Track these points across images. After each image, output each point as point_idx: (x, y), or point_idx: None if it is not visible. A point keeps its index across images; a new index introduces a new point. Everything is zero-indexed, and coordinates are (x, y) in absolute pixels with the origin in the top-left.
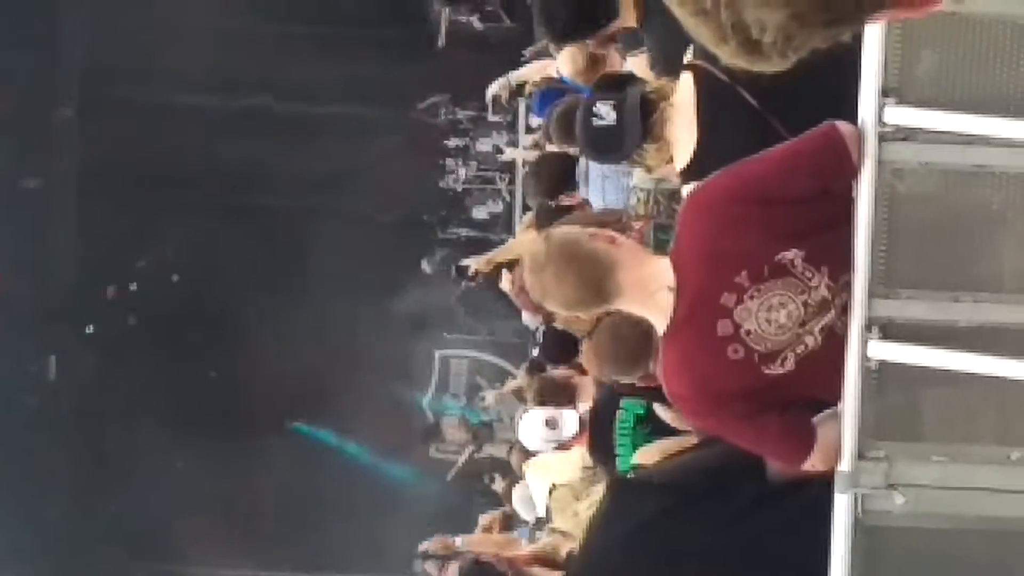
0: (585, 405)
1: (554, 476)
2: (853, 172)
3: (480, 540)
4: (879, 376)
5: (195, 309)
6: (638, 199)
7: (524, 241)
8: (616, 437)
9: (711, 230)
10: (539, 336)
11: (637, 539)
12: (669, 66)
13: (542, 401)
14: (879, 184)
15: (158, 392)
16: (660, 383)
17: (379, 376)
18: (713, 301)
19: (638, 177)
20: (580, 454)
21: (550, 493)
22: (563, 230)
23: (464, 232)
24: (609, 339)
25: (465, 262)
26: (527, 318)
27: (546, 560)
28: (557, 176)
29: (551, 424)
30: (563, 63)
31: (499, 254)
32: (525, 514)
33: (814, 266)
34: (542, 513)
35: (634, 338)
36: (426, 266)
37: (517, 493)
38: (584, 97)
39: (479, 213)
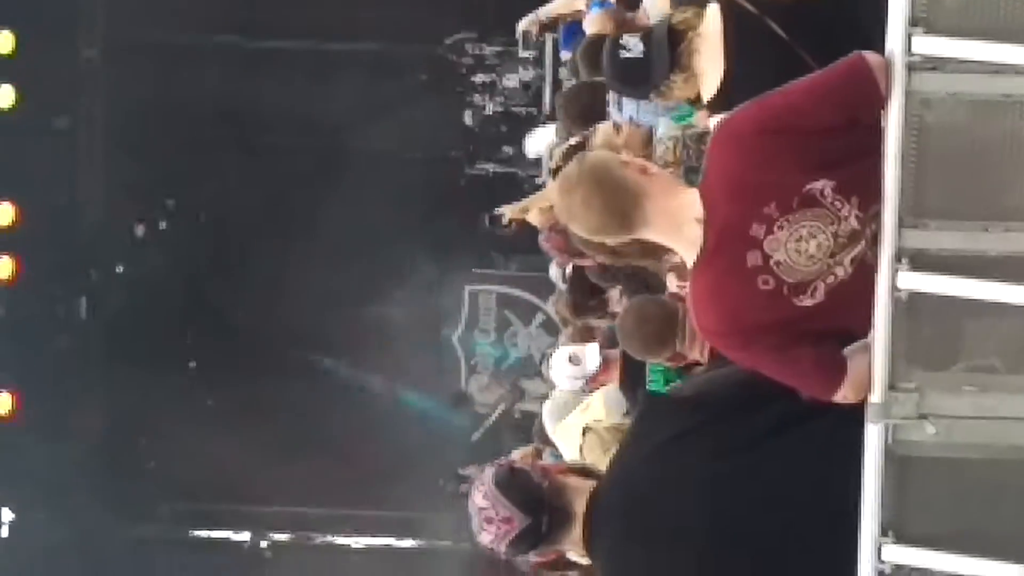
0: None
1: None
2: (881, 102)
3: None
4: (909, 307)
5: (223, 248)
6: (667, 147)
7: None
8: (648, 371)
9: (739, 161)
10: (566, 275)
11: (666, 454)
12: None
13: (574, 313)
14: (907, 114)
15: (188, 331)
16: (688, 361)
17: (408, 312)
18: (742, 232)
19: (664, 127)
20: (603, 405)
21: (583, 434)
22: (596, 154)
23: (491, 167)
24: (635, 320)
25: (499, 210)
26: (554, 269)
27: (581, 470)
28: (587, 106)
29: (574, 360)
30: (591, 26)
31: (533, 201)
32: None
33: (844, 196)
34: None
35: (659, 318)
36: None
37: (549, 406)
38: None
39: (506, 148)
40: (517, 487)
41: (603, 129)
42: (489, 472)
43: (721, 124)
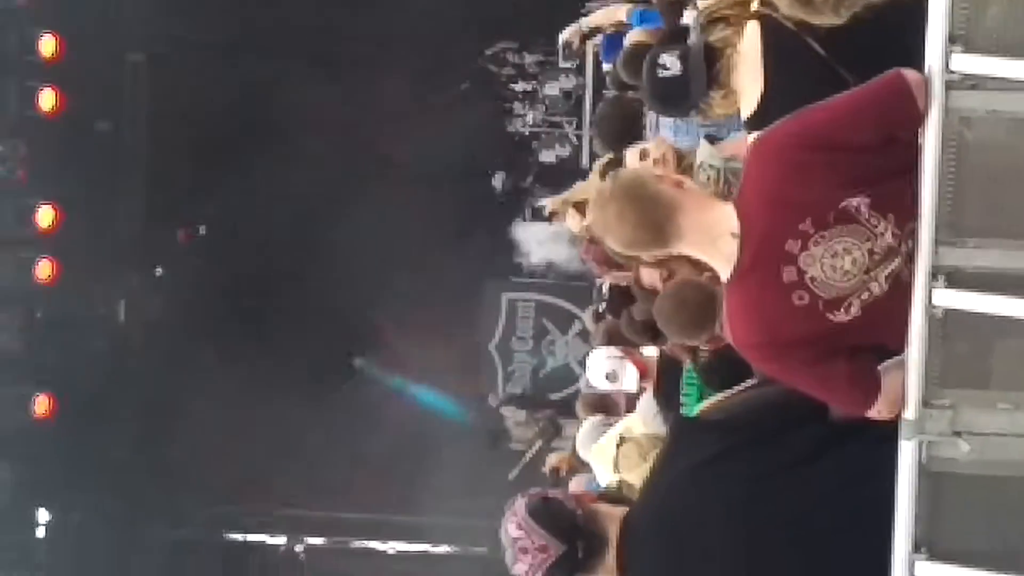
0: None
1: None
2: (919, 120)
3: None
4: (945, 324)
5: (263, 252)
6: (708, 177)
7: (597, 182)
8: (683, 384)
9: (776, 176)
10: (604, 291)
11: (700, 478)
12: None
13: (609, 342)
14: (946, 132)
15: (226, 334)
16: (725, 343)
17: (445, 321)
18: (778, 247)
19: (706, 154)
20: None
21: (618, 447)
22: (631, 170)
23: (531, 176)
24: (673, 304)
25: (541, 202)
26: (595, 271)
27: (612, 497)
28: (626, 121)
29: (611, 378)
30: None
31: (574, 193)
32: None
33: (880, 213)
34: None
35: (698, 302)
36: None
37: (583, 431)
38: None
39: (547, 157)
40: (551, 515)
41: (631, 154)
42: (521, 502)
43: (759, 139)
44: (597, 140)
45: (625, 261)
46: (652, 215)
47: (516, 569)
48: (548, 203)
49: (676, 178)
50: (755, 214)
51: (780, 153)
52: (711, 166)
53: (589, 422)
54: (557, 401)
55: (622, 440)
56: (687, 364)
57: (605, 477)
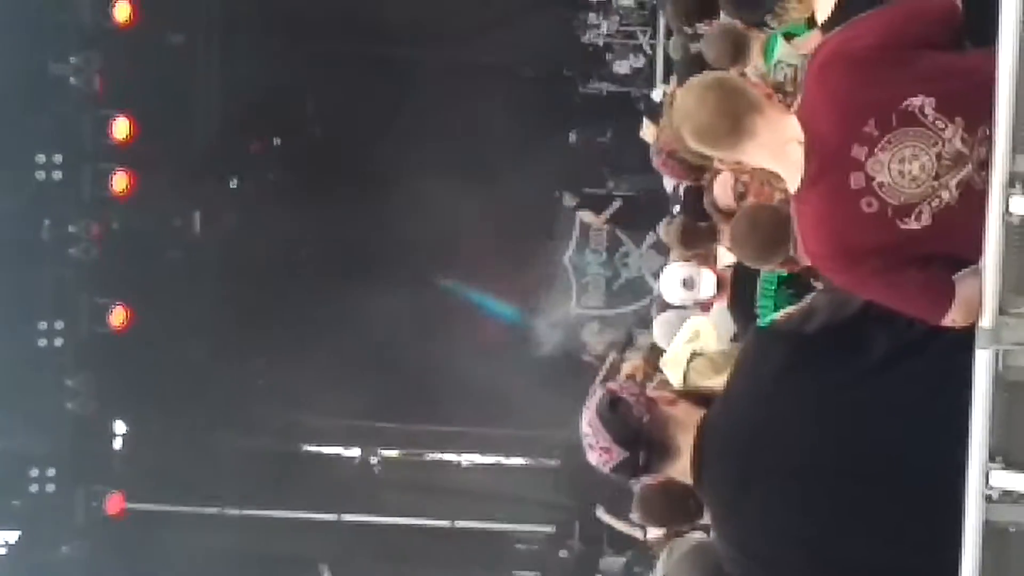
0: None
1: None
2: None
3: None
4: (1022, 231)
5: (336, 163)
6: (786, 75)
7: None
8: (759, 295)
9: (837, 81)
10: (680, 193)
11: (773, 387)
12: None
13: (683, 241)
14: (1022, 32)
15: (301, 246)
16: (801, 265)
17: (519, 232)
18: (844, 154)
19: (784, 52)
20: (713, 341)
21: (689, 362)
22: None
23: (605, 86)
24: (747, 226)
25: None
26: (667, 183)
27: (694, 397)
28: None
29: (688, 284)
30: None
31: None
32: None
33: (946, 115)
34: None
35: (771, 224)
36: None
37: (659, 322)
38: None
39: (620, 68)
40: (617, 420)
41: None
42: (596, 398)
43: (822, 45)
44: (670, 12)
45: (698, 162)
46: (733, 105)
47: (588, 457)
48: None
49: (768, 89)
50: (819, 121)
51: (839, 56)
52: (789, 64)
53: (664, 317)
54: (630, 313)
55: (693, 356)
56: (763, 275)
57: (677, 383)
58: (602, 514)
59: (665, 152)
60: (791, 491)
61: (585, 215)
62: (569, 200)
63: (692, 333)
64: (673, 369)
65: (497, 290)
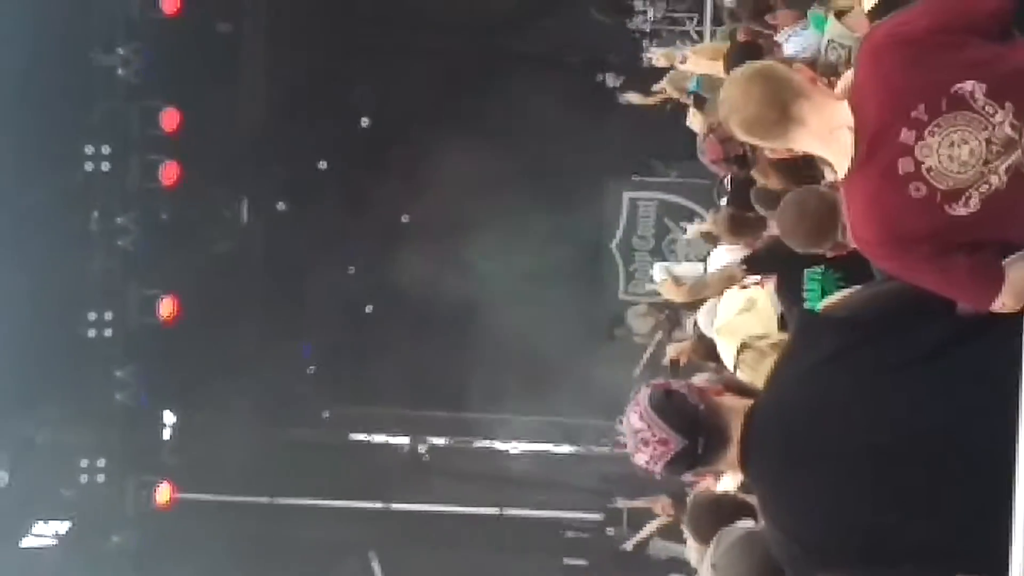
0: None
1: (744, 335)
2: None
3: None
4: None
5: (384, 152)
6: (839, 56)
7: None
8: (806, 281)
9: (886, 65)
10: (727, 184)
11: (820, 374)
12: None
13: (732, 231)
14: None
15: (348, 235)
16: (849, 249)
17: (567, 219)
18: (892, 138)
19: (836, 32)
20: (770, 310)
21: (738, 353)
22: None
23: None
24: (795, 212)
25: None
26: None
27: (739, 387)
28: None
29: None
30: None
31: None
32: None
33: (997, 101)
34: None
35: (820, 211)
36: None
37: (703, 310)
38: None
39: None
40: (673, 409)
41: None
42: (645, 393)
43: (876, 27)
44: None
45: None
46: (779, 94)
47: (637, 459)
48: (658, 54)
49: (812, 74)
50: (868, 105)
51: (889, 41)
52: (841, 44)
53: (711, 301)
54: None
55: (743, 347)
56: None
57: (729, 357)
58: (622, 502)
59: (710, 139)
60: (842, 474)
61: (632, 96)
62: (613, 80)
63: (747, 302)
64: (727, 339)
65: (545, 276)
